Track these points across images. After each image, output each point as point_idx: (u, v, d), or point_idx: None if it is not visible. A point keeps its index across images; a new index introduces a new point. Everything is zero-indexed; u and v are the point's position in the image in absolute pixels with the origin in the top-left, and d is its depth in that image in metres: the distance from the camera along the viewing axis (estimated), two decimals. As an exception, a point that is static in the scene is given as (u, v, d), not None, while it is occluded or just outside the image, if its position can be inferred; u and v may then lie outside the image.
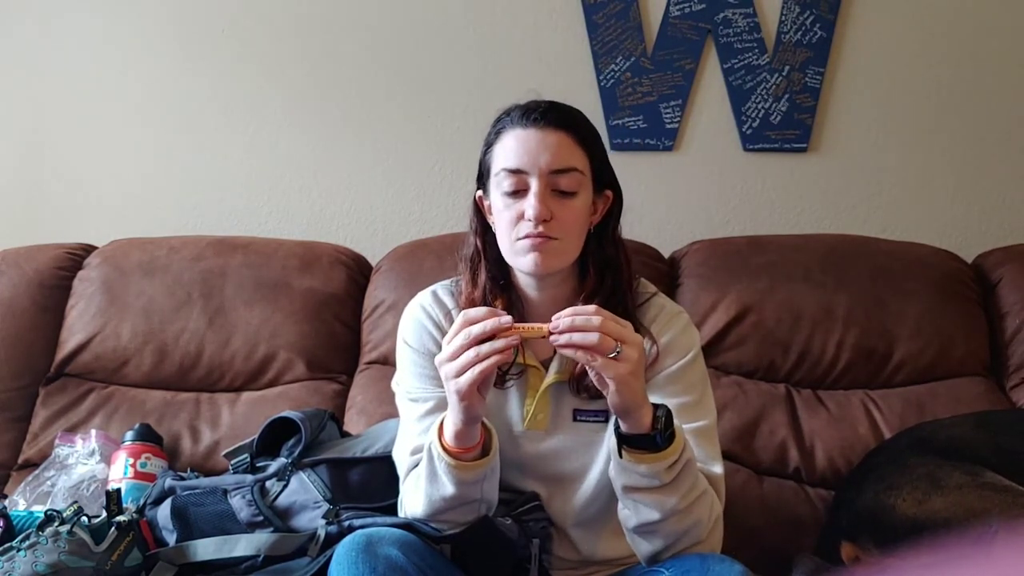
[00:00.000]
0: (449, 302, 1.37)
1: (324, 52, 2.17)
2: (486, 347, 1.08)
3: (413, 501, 1.22)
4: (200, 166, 2.20)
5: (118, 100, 2.19)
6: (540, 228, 1.22)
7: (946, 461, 1.43)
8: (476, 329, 1.08)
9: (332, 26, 2.16)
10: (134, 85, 2.19)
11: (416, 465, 1.23)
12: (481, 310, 1.12)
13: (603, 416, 1.29)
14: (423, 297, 1.39)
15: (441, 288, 1.40)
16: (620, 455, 1.14)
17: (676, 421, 1.15)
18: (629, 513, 1.20)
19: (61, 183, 2.21)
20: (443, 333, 1.32)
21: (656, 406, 1.14)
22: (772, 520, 1.65)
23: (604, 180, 1.31)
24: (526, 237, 1.24)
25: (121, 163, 2.20)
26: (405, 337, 1.37)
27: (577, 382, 1.29)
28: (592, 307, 1.10)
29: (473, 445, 1.17)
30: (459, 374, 1.09)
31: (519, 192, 1.25)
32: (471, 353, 1.08)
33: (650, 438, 1.12)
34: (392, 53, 2.16)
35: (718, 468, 1.26)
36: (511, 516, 1.27)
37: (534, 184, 1.23)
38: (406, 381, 1.34)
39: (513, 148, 1.25)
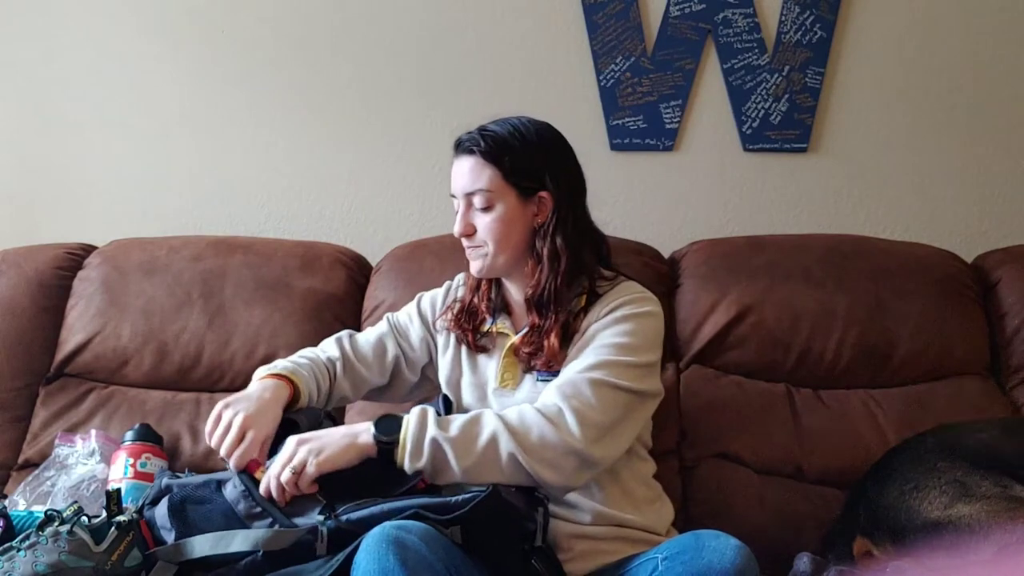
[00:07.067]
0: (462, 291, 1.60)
1: (324, 52, 2.17)
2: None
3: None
4: (200, 166, 2.20)
5: (118, 100, 2.19)
6: (465, 241, 1.47)
7: (975, 469, 1.43)
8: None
9: (332, 27, 2.16)
10: (134, 85, 2.19)
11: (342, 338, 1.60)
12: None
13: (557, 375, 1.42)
14: (450, 282, 1.64)
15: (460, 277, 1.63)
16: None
17: (401, 429, 1.29)
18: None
19: (61, 183, 2.21)
20: (434, 311, 1.60)
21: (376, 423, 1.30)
22: (772, 520, 1.65)
23: (531, 186, 1.44)
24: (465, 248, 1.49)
25: (121, 163, 2.20)
26: (422, 293, 1.65)
27: (517, 350, 1.46)
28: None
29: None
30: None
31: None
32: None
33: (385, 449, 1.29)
34: (392, 53, 2.16)
35: (604, 376, 1.34)
36: (514, 487, 1.29)
37: (458, 204, 1.47)
38: (395, 315, 1.64)
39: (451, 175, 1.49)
